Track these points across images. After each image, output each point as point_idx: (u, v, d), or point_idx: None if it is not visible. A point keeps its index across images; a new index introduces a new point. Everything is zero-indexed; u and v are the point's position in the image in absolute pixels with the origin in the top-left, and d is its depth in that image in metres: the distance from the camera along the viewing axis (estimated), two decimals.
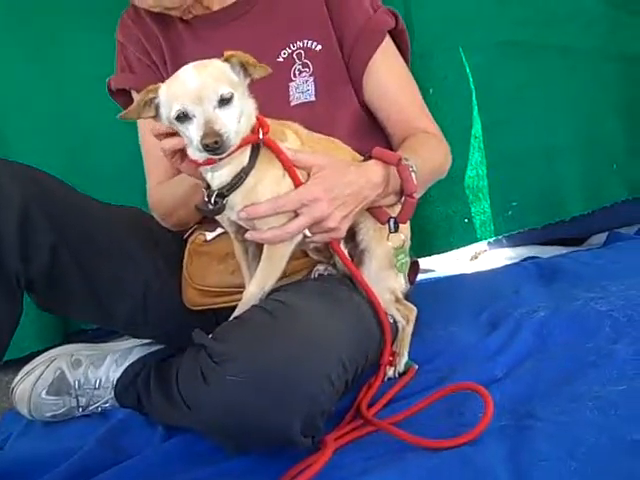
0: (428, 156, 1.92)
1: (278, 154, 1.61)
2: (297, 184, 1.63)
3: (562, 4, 2.52)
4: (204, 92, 1.47)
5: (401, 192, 1.77)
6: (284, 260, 1.67)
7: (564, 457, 1.36)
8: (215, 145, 1.46)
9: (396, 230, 1.75)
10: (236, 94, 1.51)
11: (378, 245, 1.79)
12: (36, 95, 2.50)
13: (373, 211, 1.77)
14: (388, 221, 1.75)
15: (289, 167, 1.61)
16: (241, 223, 1.66)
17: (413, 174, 1.74)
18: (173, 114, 1.50)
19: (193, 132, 1.49)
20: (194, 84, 1.49)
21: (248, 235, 1.65)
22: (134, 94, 2.10)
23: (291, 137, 1.69)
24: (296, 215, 1.63)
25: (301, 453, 1.52)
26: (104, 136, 2.49)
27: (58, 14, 2.45)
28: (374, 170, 1.73)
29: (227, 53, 1.54)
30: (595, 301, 1.95)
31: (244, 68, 1.55)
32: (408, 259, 1.85)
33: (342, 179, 1.67)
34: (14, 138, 2.49)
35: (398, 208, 1.79)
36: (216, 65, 1.54)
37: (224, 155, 1.52)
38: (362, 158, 1.80)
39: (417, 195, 1.78)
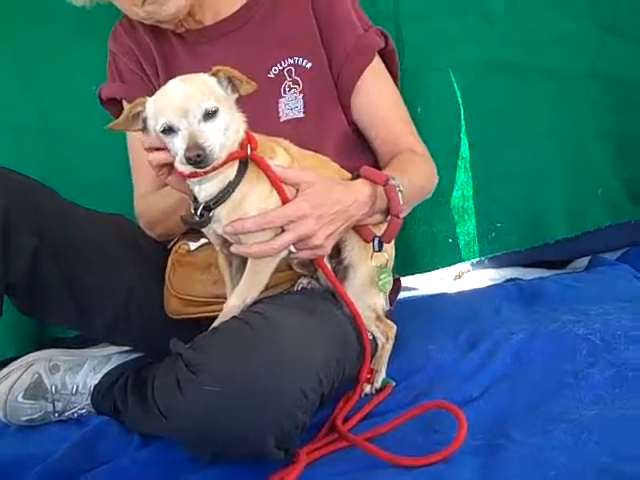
0: (414, 176, 1.93)
1: (266, 171, 1.61)
2: (284, 201, 1.64)
3: (550, 26, 2.53)
4: (189, 106, 1.49)
5: (387, 211, 1.79)
6: (267, 275, 1.68)
7: (535, 479, 1.37)
8: (198, 158, 1.48)
9: (380, 249, 1.77)
10: (222, 108, 1.53)
11: (362, 262, 1.80)
12: (20, 102, 2.49)
13: (359, 229, 1.79)
14: (373, 240, 1.77)
15: (276, 184, 1.62)
16: (227, 237, 1.67)
17: (400, 194, 1.76)
18: (159, 127, 1.53)
19: (178, 145, 1.51)
20: (180, 98, 1.51)
21: (233, 249, 1.66)
22: (125, 104, 2.11)
23: (281, 154, 1.70)
24: (282, 231, 1.64)
25: (275, 465, 1.53)
26: (90, 144, 2.48)
27: (44, 21, 2.44)
28: (361, 189, 1.75)
29: (215, 68, 1.56)
30: (573, 324, 1.96)
31: (232, 83, 1.57)
32: (391, 278, 1.86)
33: (329, 197, 1.68)
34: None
35: (383, 227, 1.80)
36: (202, 79, 1.56)
37: (208, 168, 1.54)
38: (350, 176, 1.82)
39: (402, 215, 1.79)
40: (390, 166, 1.97)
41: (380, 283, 1.81)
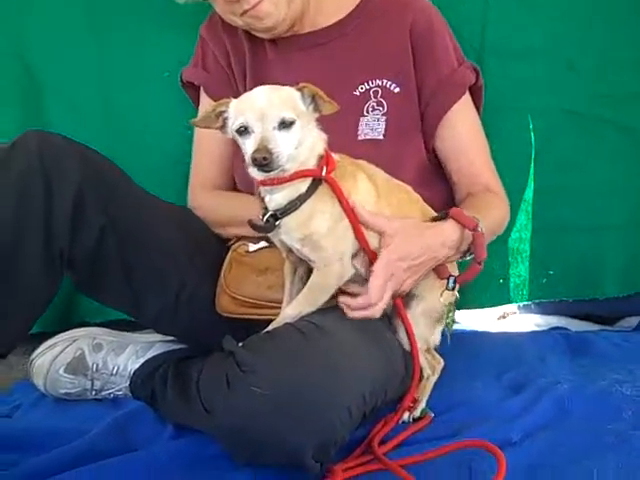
0: (492, 219, 1.94)
1: (339, 196, 1.63)
2: (357, 232, 1.65)
3: (633, 83, 2.50)
4: (268, 111, 1.53)
5: (466, 252, 1.79)
6: (328, 294, 1.69)
7: None
8: (264, 161, 1.51)
9: (454, 288, 1.77)
10: (299, 122, 1.56)
11: (429, 295, 1.80)
12: (87, 82, 2.51)
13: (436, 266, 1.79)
14: (448, 278, 1.77)
15: (347, 211, 1.63)
16: (292, 247, 1.68)
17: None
18: (235, 126, 1.57)
19: (249, 146, 1.55)
20: (261, 103, 1.55)
21: (341, 300, 1.68)
22: (202, 91, 2.16)
23: (363, 184, 1.70)
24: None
25: (307, 477, 1.53)
26: (147, 130, 2.51)
27: (130, 3, 2.47)
28: (450, 233, 1.75)
29: (301, 84, 1.60)
30: (620, 384, 1.93)
31: (314, 101, 1.60)
32: (455, 316, 1.86)
33: (417, 244, 1.70)
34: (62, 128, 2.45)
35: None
36: (288, 91, 1.60)
37: (272, 175, 1.57)
38: (433, 213, 1.83)
39: None
40: (470, 205, 1.96)
41: (447, 320, 1.83)
